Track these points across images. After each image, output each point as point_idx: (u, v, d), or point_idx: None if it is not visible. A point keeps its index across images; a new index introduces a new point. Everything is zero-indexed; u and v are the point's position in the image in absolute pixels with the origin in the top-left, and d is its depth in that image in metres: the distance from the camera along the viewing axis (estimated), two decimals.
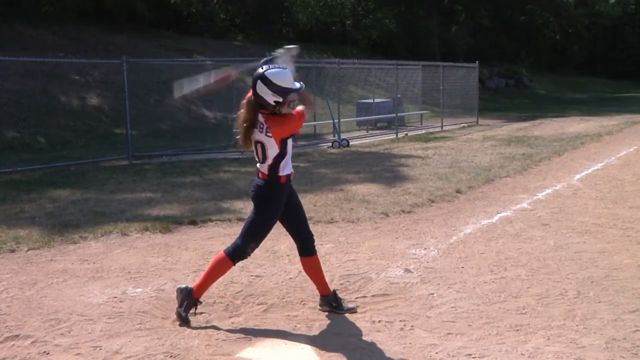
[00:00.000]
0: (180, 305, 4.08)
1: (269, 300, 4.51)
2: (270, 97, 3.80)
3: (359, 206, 7.59)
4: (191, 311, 4.10)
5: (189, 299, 4.07)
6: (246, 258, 4.18)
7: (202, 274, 4.21)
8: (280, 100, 3.81)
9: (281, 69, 3.88)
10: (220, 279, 4.29)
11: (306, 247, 4.21)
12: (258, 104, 3.87)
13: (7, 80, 14.38)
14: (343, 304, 4.29)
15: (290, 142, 4.00)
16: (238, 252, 4.09)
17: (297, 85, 3.90)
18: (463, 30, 43.57)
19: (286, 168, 4.00)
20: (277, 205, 4.04)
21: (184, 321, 4.04)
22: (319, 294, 4.34)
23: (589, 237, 6.15)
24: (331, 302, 4.28)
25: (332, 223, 6.84)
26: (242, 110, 3.94)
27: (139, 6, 22.85)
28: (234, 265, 4.15)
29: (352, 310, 4.26)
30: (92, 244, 6.12)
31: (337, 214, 7.20)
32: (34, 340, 3.84)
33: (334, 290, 4.36)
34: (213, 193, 8.66)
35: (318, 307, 4.33)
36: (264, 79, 3.79)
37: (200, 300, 4.13)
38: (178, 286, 4.20)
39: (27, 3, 21.53)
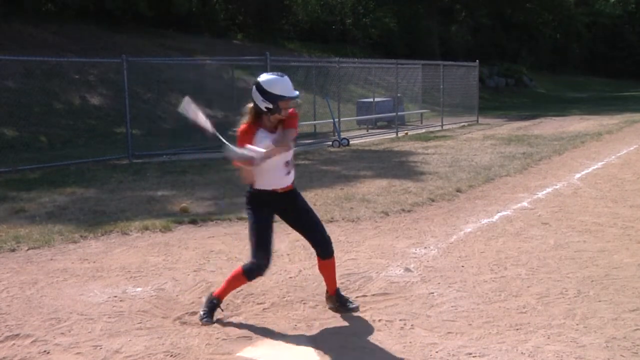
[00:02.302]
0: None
1: (269, 299, 4.51)
2: (262, 104, 3.86)
3: (359, 205, 7.59)
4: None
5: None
6: (258, 268, 4.06)
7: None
8: (271, 106, 3.84)
9: (277, 76, 3.91)
10: (219, 279, 4.29)
11: (317, 251, 4.23)
12: (255, 111, 3.94)
13: (7, 79, 14.38)
14: (348, 304, 4.29)
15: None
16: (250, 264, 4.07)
17: (295, 93, 3.90)
18: (463, 29, 43.56)
19: (262, 183, 4.05)
20: (249, 210, 4.09)
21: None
22: (325, 293, 4.35)
23: (589, 236, 6.15)
24: (335, 301, 4.29)
25: (332, 222, 6.83)
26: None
27: (140, 5, 22.82)
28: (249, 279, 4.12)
29: (355, 310, 4.25)
30: (92, 243, 6.12)
31: (337, 213, 7.20)
32: (34, 339, 3.84)
33: (337, 289, 4.36)
34: (213, 192, 8.66)
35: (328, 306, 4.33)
36: (257, 85, 3.89)
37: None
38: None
39: (28, 2, 21.50)
